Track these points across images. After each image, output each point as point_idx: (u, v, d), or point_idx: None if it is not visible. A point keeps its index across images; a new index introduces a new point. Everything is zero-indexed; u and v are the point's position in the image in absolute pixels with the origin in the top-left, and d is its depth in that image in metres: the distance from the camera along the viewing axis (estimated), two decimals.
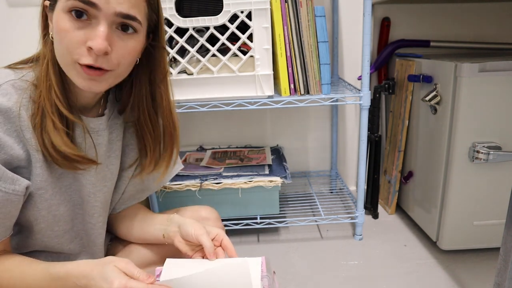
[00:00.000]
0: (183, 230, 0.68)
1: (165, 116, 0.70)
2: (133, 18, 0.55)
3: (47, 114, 0.58)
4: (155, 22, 0.63)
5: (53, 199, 0.63)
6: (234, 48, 1.06)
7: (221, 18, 1.03)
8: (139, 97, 0.67)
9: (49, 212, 0.63)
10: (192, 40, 1.07)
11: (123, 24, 0.55)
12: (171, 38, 1.09)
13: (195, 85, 1.10)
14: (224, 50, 1.08)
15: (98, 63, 0.55)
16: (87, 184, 0.67)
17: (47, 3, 0.57)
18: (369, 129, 1.38)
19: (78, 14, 0.53)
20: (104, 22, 0.53)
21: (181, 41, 1.05)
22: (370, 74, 1.51)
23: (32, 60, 0.62)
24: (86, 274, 0.55)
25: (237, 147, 1.59)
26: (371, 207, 1.47)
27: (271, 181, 1.26)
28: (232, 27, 1.03)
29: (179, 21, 1.04)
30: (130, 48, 0.58)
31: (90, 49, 0.53)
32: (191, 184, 1.26)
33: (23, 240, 0.65)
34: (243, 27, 1.04)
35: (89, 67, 0.55)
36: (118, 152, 0.71)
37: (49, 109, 0.58)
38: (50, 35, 0.58)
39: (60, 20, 0.53)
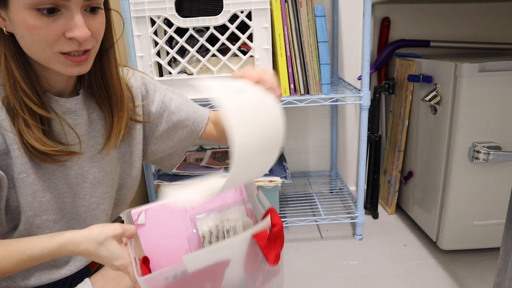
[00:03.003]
0: None
1: (113, 81, 0.68)
2: None
3: (18, 113, 0.56)
4: None
5: (37, 185, 0.61)
6: (234, 48, 1.06)
7: (221, 18, 1.03)
8: (94, 64, 0.65)
9: (35, 198, 0.61)
10: (192, 40, 1.07)
11: (91, 5, 0.56)
12: (171, 38, 1.09)
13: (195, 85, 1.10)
14: (224, 50, 1.08)
15: (82, 47, 0.56)
16: (72, 166, 0.65)
17: None
18: (369, 129, 1.38)
19: (49, 10, 0.52)
20: (77, 10, 0.53)
21: (181, 41, 1.05)
22: (370, 74, 1.51)
23: None
24: (91, 253, 0.55)
25: None
26: (371, 207, 1.47)
27: (271, 181, 1.26)
28: (232, 27, 1.03)
29: (179, 21, 1.04)
30: (101, 23, 0.59)
31: (71, 38, 0.54)
32: None
33: (13, 234, 0.63)
34: (243, 27, 1.04)
35: (73, 54, 0.55)
36: (103, 131, 0.70)
37: (18, 107, 0.56)
38: (3, 30, 0.55)
39: (28, 18, 0.52)
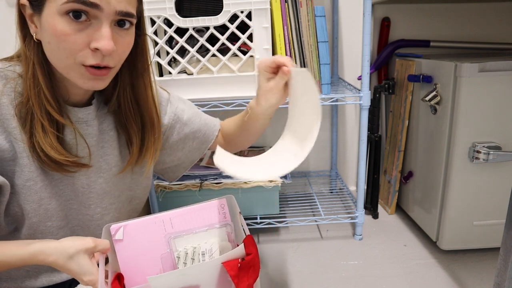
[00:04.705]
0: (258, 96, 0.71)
1: (149, 106, 0.69)
2: (130, 15, 0.56)
3: (37, 117, 0.57)
4: (141, 11, 0.63)
5: (44, 192, 0.61)
6: (234, 48, 1.06)
7: (221, 18, 1.03)
8: (123, 86, 0.66)
9: (40, 205, 0.61)
10: (192, 40, 1.07)
11: (120, 20, 0.56)
12: (171, 38, 1.09)
13: (195, 85, 1.10)
14: (224, 50, 1.08)
15: (104, 62, 0.56)
16: (79, 175, 0.66)
17: (26, 2, 0.55)
18: (369, 129, 1.38)
19: (78, 15, 0.52)
20: (106, 21, 0.53)
21: (181, 41, 1.05)
22: (370, 74, 1.51)
23: (13, 58, 0.61)
24: (60, 265, 0.54)
25: None
26: (371, 207, 1.47)
27: (271, 181, 1.26)
28: (232, 27, 1.03)
29: (179, 21, 1.04)
30: (128, 43, 0.59)
31: (96, 50, 0.54)
32: (191, 184, 1.26)
33: (16, 237, 0.64)
34: (243, 27, 1.04)
35: (94, 67, 0.55)
36: (113, 141, 0.70)
37: (39, 113, 0.57)
38: (34, 37, 0.56)
39: (57, 23, 0.52)
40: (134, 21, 0.58)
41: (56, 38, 0.53)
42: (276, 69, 0.67)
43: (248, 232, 0.61)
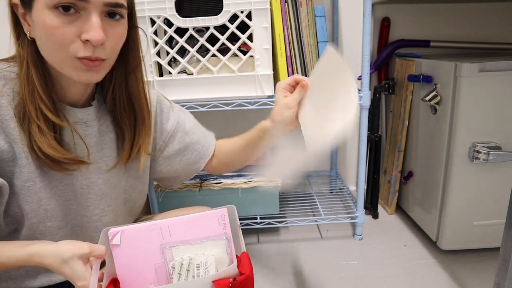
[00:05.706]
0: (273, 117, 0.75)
1: (141, 101, 0.69)
2: (120, 5, 0.56)
3: (32, 118, 0.57)
4: (131, 3, 0.63)
5: (43, 192, 0.61)
6: (234, 48, 1.06)
7: (221, 18, 1.03)
8: (119, 82, 0.66)
9: (40, 206, 0.61)
10: (192, 40, 1.07)
11: (111, 11, 0.56)
12: (171, 38, 1.09)
13: (195, 85, 1.10)
14: (224, 50, 1.08)
15: (95, 54, 0.55)
16: (79, 176, 0.66)
17: (17, 1, 0.55)
18: (369, 129, 1.38)
19: (66, 8, 0.52)
20: (95, 12, 0.53)
21: (181, 41, 1.05)
22: (370, 74, 1.51)
23: (8, 59, 0.61)
24: (55, 268, 0.54)
25: None
26: (371, 207, 1.47)
27: (271, 181, 1.26)
28: (232, 27, 1.03)
29: (179, 21, 1.04)
30: (120, 34, 0.59)
31: (86, 41, 0.54)
32: (191, 184, 1.26)
33: (16, 238, 0.64)
34: (243, 27, 1.04)
35: (87, 59, 0.55)
36: (112, 143, 0.70)
37: (34, 114, 0.57)
38: (27, 35, 0.56)
39: (47, 17, 0.52)
40: (125, 11, 0.58)
41: (46, 32, 0.53)
42: (294, 87, 0.72)
43: (244, 249, 0.60)
